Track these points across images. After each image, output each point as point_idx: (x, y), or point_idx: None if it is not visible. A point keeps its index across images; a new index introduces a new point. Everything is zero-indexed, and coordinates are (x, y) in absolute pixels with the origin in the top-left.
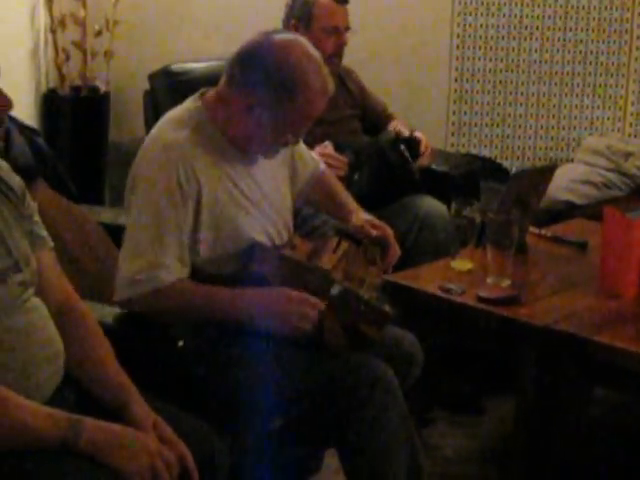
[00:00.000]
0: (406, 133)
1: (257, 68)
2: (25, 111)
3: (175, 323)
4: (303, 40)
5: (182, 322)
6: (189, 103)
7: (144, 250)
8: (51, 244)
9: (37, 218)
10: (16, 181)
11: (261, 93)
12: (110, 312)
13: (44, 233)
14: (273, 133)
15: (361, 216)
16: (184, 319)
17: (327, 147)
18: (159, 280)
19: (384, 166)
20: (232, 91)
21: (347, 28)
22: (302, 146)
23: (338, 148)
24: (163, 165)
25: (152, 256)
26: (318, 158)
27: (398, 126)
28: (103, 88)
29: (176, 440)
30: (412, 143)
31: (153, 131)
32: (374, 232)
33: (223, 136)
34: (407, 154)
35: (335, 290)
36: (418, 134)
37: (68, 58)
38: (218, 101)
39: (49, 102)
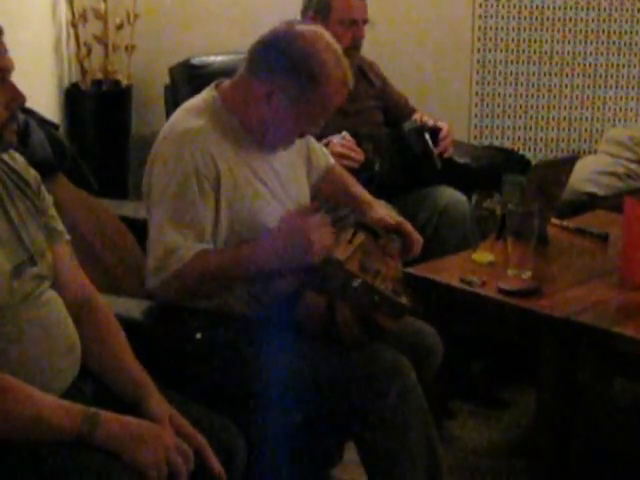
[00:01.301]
0: (430, 122)
1: (280, 56)
2: (47, 106)
3: (206, 297)
4: (325, 32)
5: (214, 290)
6: (205, 93)
7: (164, 236)
8: (67, 237)
9: (53, 212)
10: (32, 175)
11: (282, 81)
12: (130, 305)
13: (60, 226)
14: (291, 122)
15: (378, 209)
16: (215, 286)
17: (345, 137)
18: (179, 260)
19: (406, 155)
20: (252, 79)
21: (365, 21)
22: (313, 140)
23: (357, 138)
24: (182, 152)
25: (171, 242)
26: (328, 151)
27: (422, 116)
28: (125, 82)
29: (193, 432)
30: (435, 133)
31: (170, 120)
32: (391, 222)
33: (240, 124)
34: (431, 144)
35: (349, 281)
36: (441, 123)
37: (90, 52)
38: (235, 90)
39: (71, 96)
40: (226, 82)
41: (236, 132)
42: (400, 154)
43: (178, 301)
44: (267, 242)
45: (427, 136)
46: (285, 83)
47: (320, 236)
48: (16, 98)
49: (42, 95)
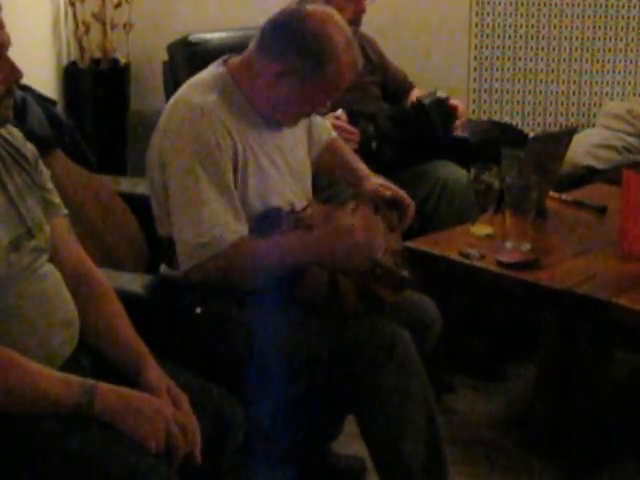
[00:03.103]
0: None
1: (291, 36)
2: (46, 84)
3: (245, 282)
4: (336, 13)
5: (252, 280)
6: (213, 68)
7: (197, 217)
8: (65, 211)
9: (50, 186)
10: (29, 149)
11: (292, 61)
12: (127, 279)
13: (57, 200)
14: (299, 101)
15: (374, 181)
16: (254, 275)
17: (340, 117)
18: (222, 240)
19: (406, 131)
20: (262, 57)
21: None
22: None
23: (352, 116)
24: (199, 126)
25: (206, 220)
26: (330, 125)
27: (417, 94)
28: (123, 60)
29: (189, 412)
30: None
31: (178, 94)
32: (387, 193)
33: (248, 102)
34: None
35: None
36: (456, 101)
37: (88, 30)
38: (244, 67)
39: (70, 75)
40: (235, 58)
41: (244, 109)
42: (400, 131)
43: (216, 283)
44: (316, 238)
45: (447, 109)
46: (295, 64)
47: (369, 247)
48: (13, 73)
49: (41, 73)
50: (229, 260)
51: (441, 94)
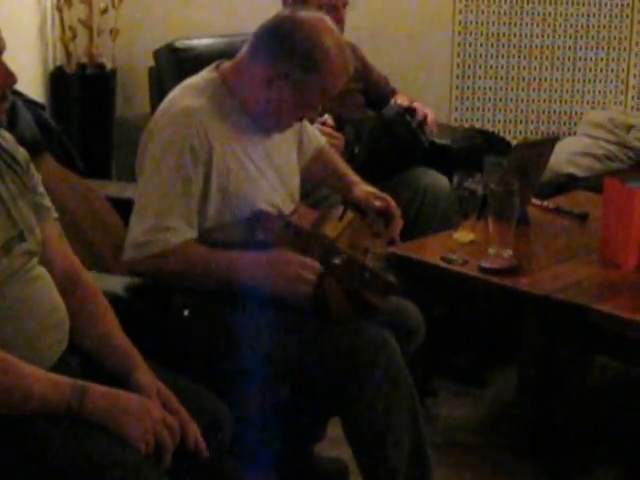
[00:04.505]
0: (406, 104)
1: (283, 42)
2: (32, 89)
3: (175, 286)
4: (328, 19)
5: (183, 285)
6: (205, 73)
7: (152, 212)
8: (55, 215)
9: (42, 189)
10: (20, 153)
11: (284, 66)
12: (115, 282)
13: (48, 204)
14: (290, 107)
15: (363, 188)
16: (185, 282)
17: (327, 122)
18: (165, 242)
19: (390, 139)
20: (254, 62)
21: (345, 4)
22: (306, 122)
23: (339, 122)
24: (178, 129)
25: (159, 218)
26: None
27: (399, 100)
28: (109, 65)
29: (179, 408)
30: (411, 112)
31: (169, 97)
32: (377, 203)
33: (239, 106)
34: (414, 124)
35: (339, 258)
36: (416, 104)
37: (74, 36)
38: (235, 73)
39: (56, 80)
40: (227, 64)
41: (234, 113)
42: (382, 138)
43: (154, 279)
44: (249, 259)
45: (408, 118)
46: (287, 69)
47: (300, 280)
48: (8, 78)
49: (27, 78)
50: (167, 261)
51: (400, 102)
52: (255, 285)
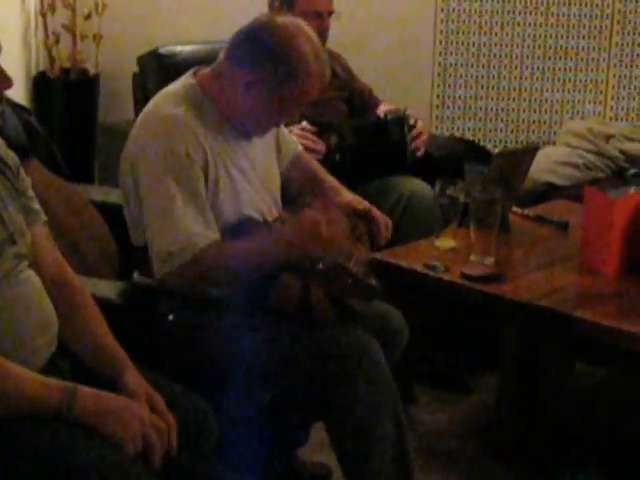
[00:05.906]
0: (412, 120)
1: (260, 46)
2: (16, 93)
3: (217, 285)
4: (305, 24)
5: (224, 283)
6: (183, 80)
7: (169, 224)
8: (44, 218)
9: (31, 193)
10: (11, 156)
11: (261, 71)
12: (102, 286)
13: (38, 207)
14: (268, 111)
15: (345, 194)
16: (224, 279)
17: (305, 127)
18: (193, 247)
19: (372, 145)
20: (232, 68)
21: (330, 13)
22: (283, 127)
23: (318, 128)
24: (171, 137)
25: (180, 227)
26: (296, 138)
27: (384, 109)
28: (92, 70)
29: (165, 411)
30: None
31: (149, 107)
32: (360, 207)
33: (218, 112)
34: (408, 137)
35: (323, 263)
36: (419, 121)
37: (58, 41)
38: (214, 78)
39: (39, 84)
40: (205, 70)
41: (214, 119)
42: (365, 143)
43: (191, 289)
44: (276, 235)
45: (406, 129)
46: (264, 74)
47: (333, 231)
48: (3, 82)
49: None
50: (201, 264)
51: (407, 113)
52: (290, 256)
